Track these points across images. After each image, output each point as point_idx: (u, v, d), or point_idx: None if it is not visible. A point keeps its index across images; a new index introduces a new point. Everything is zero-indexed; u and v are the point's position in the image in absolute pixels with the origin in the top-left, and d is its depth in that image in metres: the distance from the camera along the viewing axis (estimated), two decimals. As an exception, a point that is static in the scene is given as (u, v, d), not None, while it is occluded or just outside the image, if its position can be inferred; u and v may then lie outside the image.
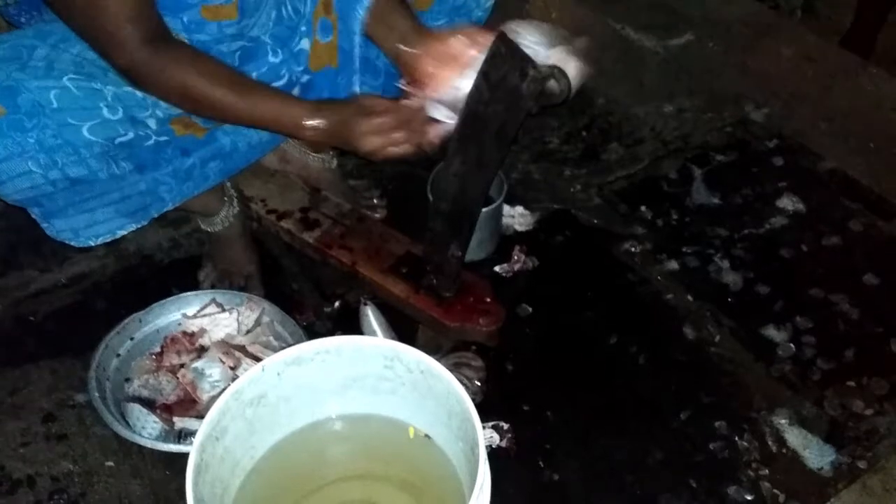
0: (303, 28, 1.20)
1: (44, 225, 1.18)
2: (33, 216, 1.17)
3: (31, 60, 1.04)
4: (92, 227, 1.20)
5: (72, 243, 1.21)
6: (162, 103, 1.13)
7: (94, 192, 1.15)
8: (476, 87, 1.06)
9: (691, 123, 1.84)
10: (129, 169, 1.15)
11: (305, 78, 1.25)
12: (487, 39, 1.06)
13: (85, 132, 1.07)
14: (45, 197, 1.12)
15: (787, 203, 1.63)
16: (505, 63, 1.03)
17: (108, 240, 1.23)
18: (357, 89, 1.24)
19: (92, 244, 1.22)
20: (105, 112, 1.08)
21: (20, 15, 1.18)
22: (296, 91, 1.26)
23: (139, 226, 1.24)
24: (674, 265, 1.52)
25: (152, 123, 1.14)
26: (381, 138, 1.11)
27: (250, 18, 1.16)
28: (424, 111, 1.12)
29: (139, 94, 1.10)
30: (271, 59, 1.20)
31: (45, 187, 1.09)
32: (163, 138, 1.17)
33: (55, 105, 1.04)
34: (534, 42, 1.11)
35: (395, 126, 1.11)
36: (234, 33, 1.15)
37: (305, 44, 1.21)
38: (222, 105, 1.10)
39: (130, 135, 1.12)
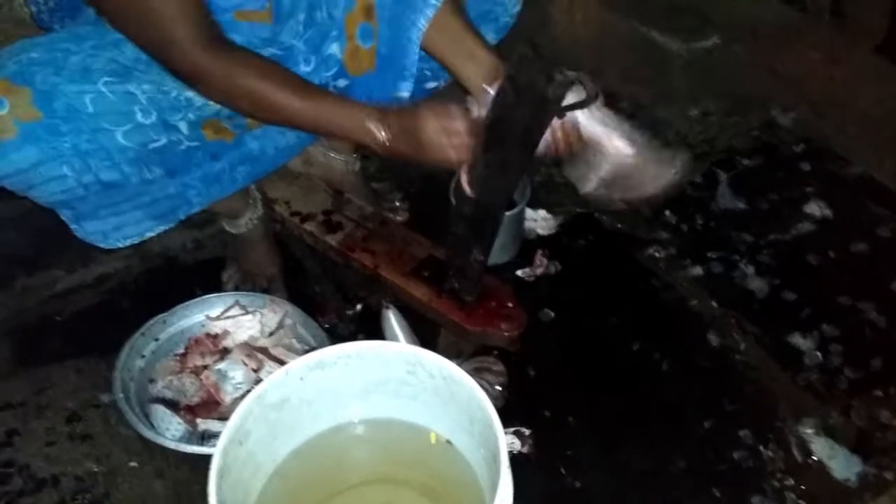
0: (334, 33, 1.19)
1: (73, 227, 1.19)
2: (63, 218, 1.18)
3: (67, 64, 1.05)
4: (121, 230, 1.21)
5: (100, 245, 1.22)
6: (195, 104, 1.13)
7: (125, 196, 1.16)
8: (501, 90, 1.05)
9: (717, 127, 1.82)
10: (160, 173, 1.16)
11: (343, 83, 1.24)
12: None
13: (119, 137, 1.08)
14: (76, 200, 1.13)
15: (815, 208, 1.61)
16: (531, 67, 1.03)
17: (136, 241, 1.24)
18: (406, 95, 1.21)
19: (120, 246, 1.23)
20: (139, 116, 1.09)
21: (52, 22, 1.19)
22: None
23: (166, 227, 1.26)
24: (698, 271, 1.50)
25: (184, 127, 1.15)
26: (451, 140, 1.08)
27: (284, 24, 1.16)
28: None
29: (172, 96, 1.11)
30: (303, 68, 1.20)
31: (77, 191, 1.10)
32: (194, 143, 1.18)
33: (91, 110, 1.05)
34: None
35: (465, 132, 1.08)
36: (267, 37, 1.15)
37: (335, 48, 1.20)
38: (287, 109, 1.09)
39: (163, 140, 1.13)
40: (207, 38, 1.03)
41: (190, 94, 1.11)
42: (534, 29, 1.92)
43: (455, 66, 1.16)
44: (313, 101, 1.10)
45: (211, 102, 1.13)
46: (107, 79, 1.06)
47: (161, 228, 1.25)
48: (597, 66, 1.93)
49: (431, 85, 1.33)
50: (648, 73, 1.94)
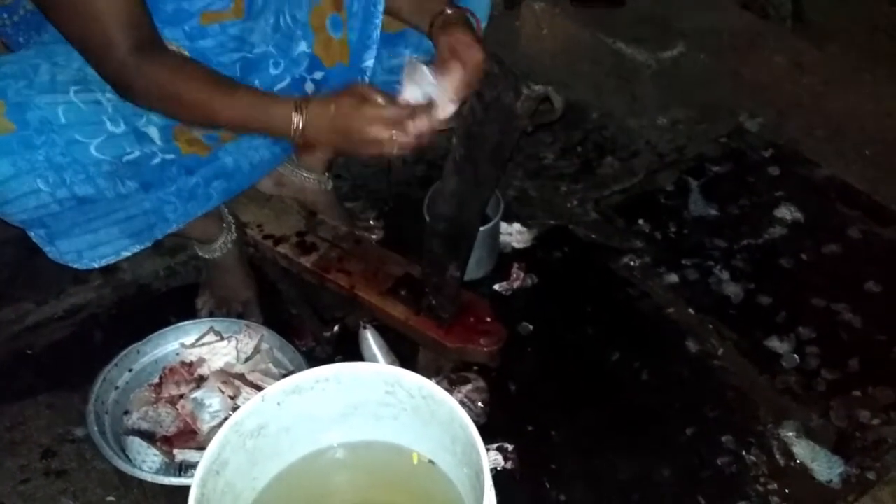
0: (298, 33, 1.20)
1: (47, 248, 1.17)
2: (36, 239, 1.16)
3: (37, 76, 1.05)
4: (96, 249, 1.20)
5: (75, 266, 1.20)
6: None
7: (100, 212, 1.15)
8: (470, 106, 1.06)
9: (686, 135, 1.84)
10: (134, 187, 1.16)
11: (319, 74, 1.24)
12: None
13: (93, 150, 1.08)
14: (51, 216, 1.11)
15: (785, 212, 1.63)
16: (498, 82, 1.03)
17: (112, 261, 1.23)
18: (370, 65, 1.20)
19: (95, 266, 1.22)
20: (109, 125, 1.09)
21: (18, 35, 1.19)
22: (309, 88, 1.25)
23: (143, 247, 1.24)
24: (674, 278, 1.51)
25: (155, 136, 1.15)
26: (388, 130, 1.04)
27: (254, 22, 1.16)
28: (422, 108, 1.06)
29: None
30: (272, 71, 1.21)
31: (52, 206, 1.09)
32: (169, 156, 1.18)
33: (63, 121, 1.05)
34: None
35: (401, 118, 1.04)
36: (237, 36, 1.15)
37: (304, 46, 1.21)
38: (207, 108, 1.08)
39: (137, 153, 1.13)
40: (141, 43, 1.02)
41: None
42: (501, 44, 1.93)
43: (419, 25, 1.17)
44: (233, 96, 1.08)
45: None
46: (75, 87, 1.06)
47: (137, 248, 1.24)
48: (565, 79, 1.95)
49: None
50: (617, 84, 1.96)
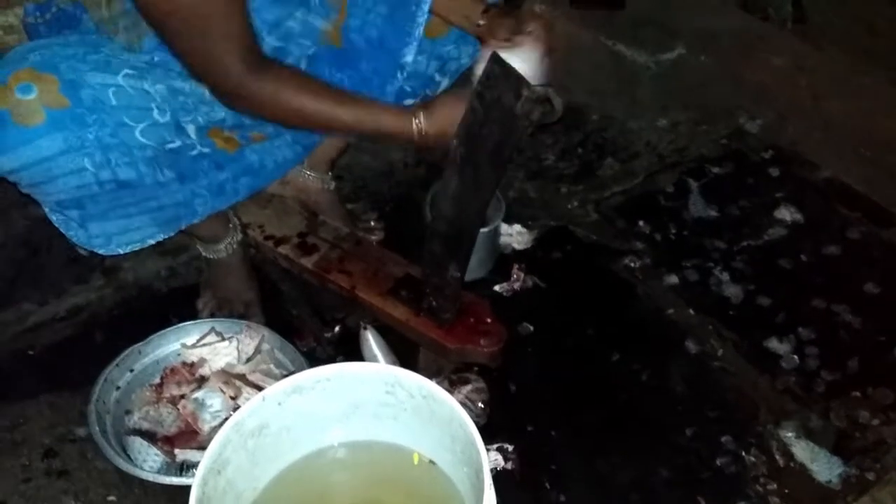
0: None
1: (73, 231, 1.17)
2: (60, 222, 1.16)
3: (87, 59, 1.06)
4: (125, 234, 1.20)
5: (99, 251, 1.20)
6: (201, 109, 1.15)
7: (136, 198, 1.16)
8: (471, 107, 1.06)
9: (686, 136, 1.85)
10: (171, 177, 1.17)
11: (311, 51, 1.27)
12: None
13: (138, 134, 1.09)
14: (89, 198, 1.12)
15: (785, 213, 1.63)
16: (499, 83, 1.03)
17: (137, 248, 1.23)
18: (409, 60, 1.24)
19: (120, 252, 1.22)
20: (155, 114, 1.11)
21: (49, 33, 1.19)
22: (302, 65, 1.27)
23: (167, 236, 1.25)
24: (674, 279, 1.51)
25: (192, 131, 1.16)
26: None
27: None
28: None
29: (180, 99, 1.13)
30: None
31: (93, 187, 1.09)
32: (206, 149, 1.20)
33: (114, 102, 1.06)
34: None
35: None
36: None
37: (318, 21, 1.23)
38: (326, 118, 1.13)
39: (178, 142, 1.15)
40: (254, 62, 1.05)
41: (198, 98, 1.14)
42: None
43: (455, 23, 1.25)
44: (356, 107, 1.14)
45: (216, 108, 1.16)
46: (127, 70, 1.08)
47: (161, 237, 1.25)
48: (565, 80, 1.95)
49: (409, 102, 1.33)
50: (617, 85, 1.97)
